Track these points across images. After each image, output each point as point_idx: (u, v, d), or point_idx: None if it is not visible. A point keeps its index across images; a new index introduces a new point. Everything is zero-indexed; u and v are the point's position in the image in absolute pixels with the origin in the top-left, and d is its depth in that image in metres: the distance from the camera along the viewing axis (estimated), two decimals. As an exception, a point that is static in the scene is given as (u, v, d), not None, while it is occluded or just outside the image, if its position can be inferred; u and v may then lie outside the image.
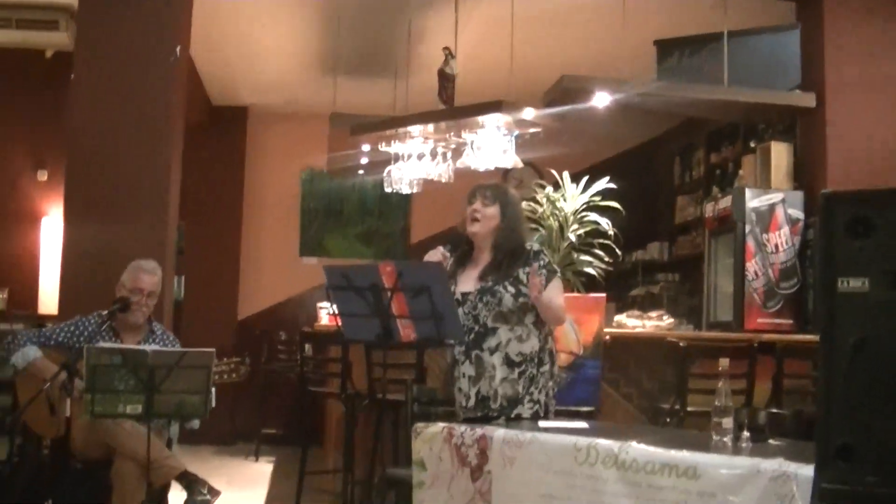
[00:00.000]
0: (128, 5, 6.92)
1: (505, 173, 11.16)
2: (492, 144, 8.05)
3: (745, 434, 3.93)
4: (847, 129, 7.71)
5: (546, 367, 5.00)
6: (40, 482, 5.64)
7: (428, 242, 6.33)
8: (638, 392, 7.29)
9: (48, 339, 5.72)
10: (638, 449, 3.77)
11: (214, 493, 5.35)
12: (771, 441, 4.00)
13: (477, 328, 4.95)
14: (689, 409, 6.30)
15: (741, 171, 8.82)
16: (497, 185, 5.28)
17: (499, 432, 4.26)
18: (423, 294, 4.54)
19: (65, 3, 8.43)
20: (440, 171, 8.65)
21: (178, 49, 6.91)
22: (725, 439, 3.92)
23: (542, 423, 4.65)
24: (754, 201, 7.72)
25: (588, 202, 7.06)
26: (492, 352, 4.93)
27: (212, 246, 12.03)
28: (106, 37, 6.88)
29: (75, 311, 5.96)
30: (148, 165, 6.81)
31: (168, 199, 6.83)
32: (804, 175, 7.95)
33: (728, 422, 3.94)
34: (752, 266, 7.64)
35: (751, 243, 7.67)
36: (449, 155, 8.62)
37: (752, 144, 9.07)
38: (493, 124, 8.01)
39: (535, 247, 5.15)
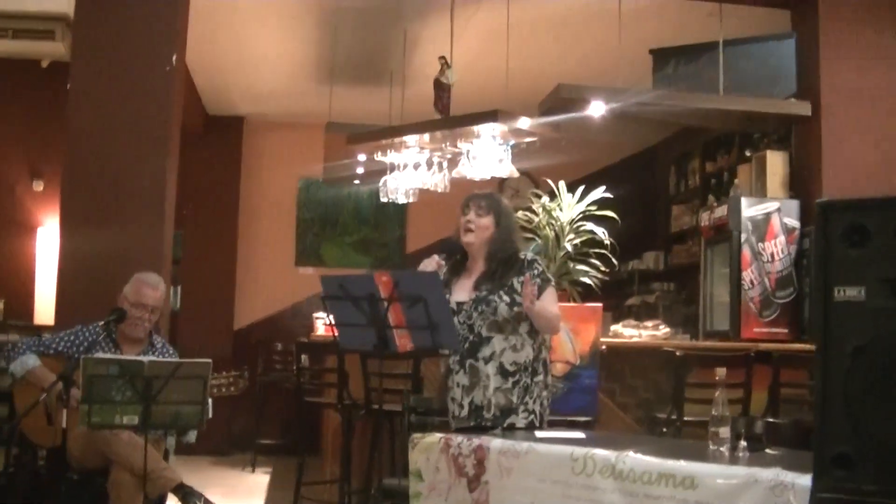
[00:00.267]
0: (123, 15, 6.91)
1: (501, 183, 11.21)
2: (488, 154, 8.06)
3: (743, 443, 3.92)
4: (843, 137, 7.72)
5: (540, 377, 4.98)
6: (37, 492, 5.63)
7: (424, 252, 6.32)
8: (634, 401, 7.28)
9: (47, 348, 5.71)
10: (635, 459, 3.77)
11: (210, 505, 5.35)
12: (768, 450, 4.00)
13: (471, 337, 4.94)
14: (685, 418, 6.28)
15: (737, 180, 8.82)
16: (490, 195, 5.25)
17: (496, 442, 4.26)
18: (419, 304, 4.53)
19: (61, 13, 8.43)
20: (436, 180, 8.65)
21: (173, 58, 6.91)
22: (722, 449, 3.92)
23: (538, 434, 4.64)
24: (750, 210, 7.72)
25: (584, 211, 7.06)
26: (486, 361, 4.91)
27: (208, 256, 12.03)
28: (102, 46, 6.87)
29: (71, 322, 5.95)
30: (144, 175, 6.80)
31: (164, 208, 6.82)
32: (800, 184, 7.96)
33: (725, 431, 3.94)
34: (748, 275, 7.65)
35: (747, 252, 7.67)
36: (445, 164, 8.62)
37: (748, 153, 9.09)
38: (489, 134, 8.02)
39: (530, 256, 5.14)
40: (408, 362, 6.37)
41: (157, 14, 6.95)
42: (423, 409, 5.14)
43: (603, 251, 7.05)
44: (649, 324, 7.75)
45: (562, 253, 7.00)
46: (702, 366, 6.21)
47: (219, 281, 12.17)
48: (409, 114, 8.85)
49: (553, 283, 5.14)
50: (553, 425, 5.15)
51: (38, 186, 10.61)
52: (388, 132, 8.60)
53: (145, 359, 5.03)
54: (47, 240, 10.23)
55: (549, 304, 4.97)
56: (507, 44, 8.00)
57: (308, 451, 7.76)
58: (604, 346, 6.64)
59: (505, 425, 4.84)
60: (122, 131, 6.80)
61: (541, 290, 4.87)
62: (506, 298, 4.90)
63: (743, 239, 7.68)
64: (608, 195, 7.08)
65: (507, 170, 8.17)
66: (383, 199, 9.14)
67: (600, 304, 6.69)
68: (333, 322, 4.88)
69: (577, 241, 7.02)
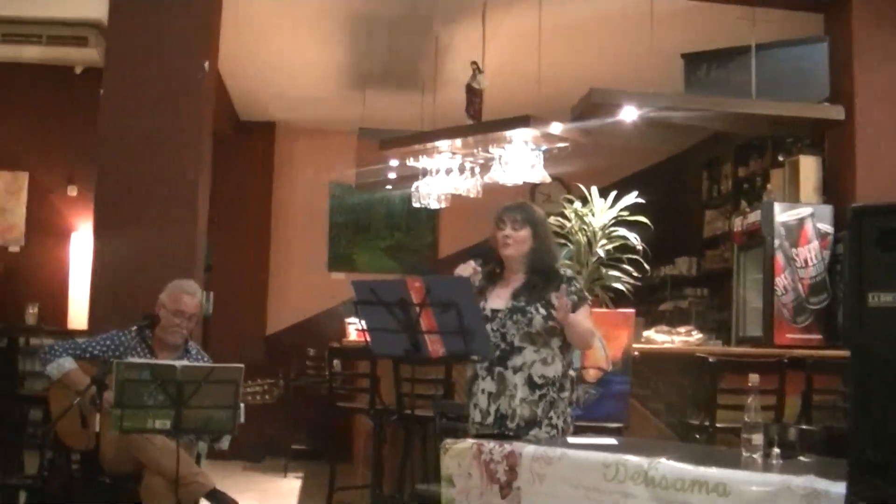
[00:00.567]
0: (156, 21, 6.96)
1: (533, 188, 11.21)
2: (520, 159, 8.05)
3: (776, 450, 3.90)
4: (876, 141, 7.67)
5: (566, 394, 4.95)
6: (70, 496, 5.65)
7: (456, 257, 6.34)
8: (667, 408, 7.26)
9: (83, 352, 5.73)
10: (667, 465, 3.75)
11: (243, 511, 5.36)
12: (801, 457, 3.97)
13: (503, 346, 4.92)
14: (718, 424, 6.26)
15: (769, 185, 8.79)
16: (523, 206, 5.17)
17: (528, 448, 4.24)
18: (451, 309, 4.52)
19: (94, 20, 8.51)
20: (468, 185, 8.66)
21: (206, 64, 6.95)
22: (755, 456, 3.89)
23: (571, 440, 4.63)
24: (783, 215, 7.68)
25: (616, 217, 7.03)
26: (515, 371, 4.89)
27: (240, 261, 12.08)
28: (135, 52, 6.92)
29: (105, 327, 5.98)
30: (176, 180, 6.83)
31: (196, 213, 6.86)
32: (833, 189, 7.91)
33: (758, 438, 3.91)
34: (781, 281, 7.61)
35: (780, 258, 7.64)
36: (477, 170, 8.63)
37: (781, 158, 9.04)
38: (521, 139, 8.00)
39: (570, 273, 5.13)
40: (439, 368, 6.38)
41: (189, 21, 6.99)
42: (455, 415, 5.14)
43: (635, 256, 7.02)
44: (682, 329, 7.72)
45: (594, 258, 6.98)
46: (734, 372, 6.18)
47: (251, 286, 12.23)
48: (441, 119, 8.86)
49: (589, 302, 5.12)
50: (585, 431, 5.12)
51: (73, 192, 10.71)
52: (420, 137, 8.61)
53: (177, 363, 5.03)
54: (81, 245, 10.32)
55: (584, 319, 4.94)
56: (539, 49, 7.98)
57: (340, 457, 7.79)
58: (636, 352, 6.61)
59: (527, 437, 4.81)
60: (155, 137, 6.84)
61: (576, 307, 4.84)
62: (542, 311, 4.87)
63: (776, 244, 7.65)
64: (640, 200, 7.05)
65: (539, 175, 8.15)
66: (415, 205, 9.16)
67: (632, 310, 6.66)
68: (365, 327, 4.88)
69: (610, 246, 6.99)
